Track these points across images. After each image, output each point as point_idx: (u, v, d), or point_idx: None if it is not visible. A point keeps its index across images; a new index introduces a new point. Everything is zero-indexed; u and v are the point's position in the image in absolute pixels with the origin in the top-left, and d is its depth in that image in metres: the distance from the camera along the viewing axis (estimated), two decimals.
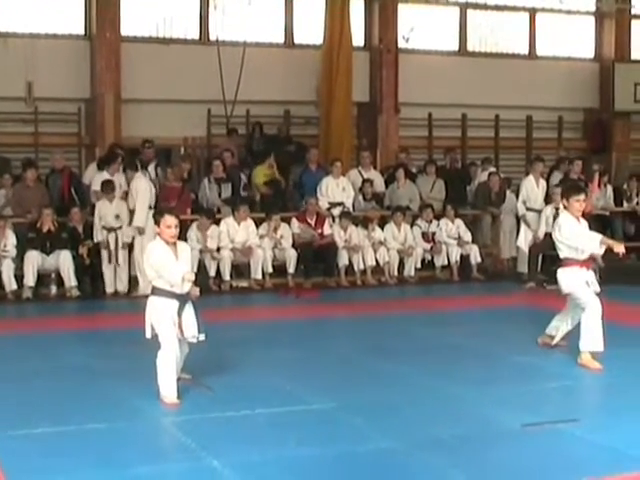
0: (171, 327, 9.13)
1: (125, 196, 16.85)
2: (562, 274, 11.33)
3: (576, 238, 11.02)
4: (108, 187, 16.78)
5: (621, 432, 8.12)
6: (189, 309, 9.30)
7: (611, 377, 10.30)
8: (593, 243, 11.01)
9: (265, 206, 18.46)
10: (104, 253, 16.50)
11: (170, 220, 9.25)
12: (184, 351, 9.49)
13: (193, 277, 9.31)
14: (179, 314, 9.17)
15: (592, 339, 10.70)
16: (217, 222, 17.22)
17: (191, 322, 9.29)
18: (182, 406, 8.94)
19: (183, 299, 9.24)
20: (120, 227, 16.56)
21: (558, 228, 11.29)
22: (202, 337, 9.36)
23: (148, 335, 9.23)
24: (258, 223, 17.60)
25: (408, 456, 7.51)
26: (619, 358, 11.03)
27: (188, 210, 17.73)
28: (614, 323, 11.85)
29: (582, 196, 11.21)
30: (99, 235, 16.60)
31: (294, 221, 17.91)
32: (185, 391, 9.17)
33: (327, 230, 18.01)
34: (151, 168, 18.20)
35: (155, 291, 9.26)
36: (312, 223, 17.98)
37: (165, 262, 9.14)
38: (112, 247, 16.47)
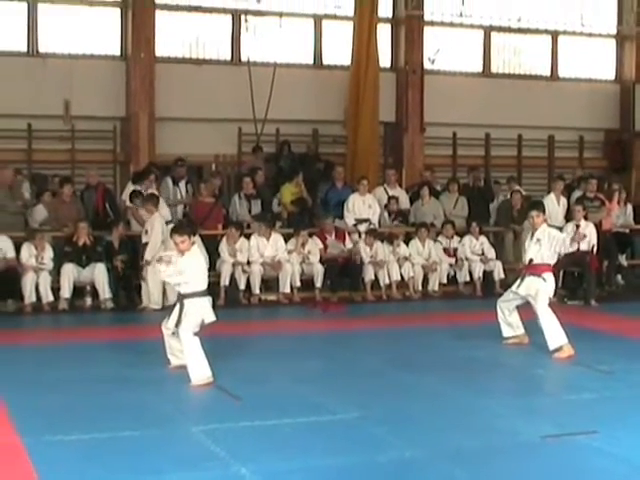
0: None
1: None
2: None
3: None
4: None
5: (639, 444, 8.09)
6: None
7: (629, 390, 10.28)
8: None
9: (292, 223, 18.46)
10: (147, 269, 16.33)
11: (174, 238, 10.65)
12: None
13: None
14: None
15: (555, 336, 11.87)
16: (248, 237, 17.24)
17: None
18: (211, 415, 8.97)
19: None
20: (147, 243, 16.53)
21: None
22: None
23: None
24: (286, 239, 17.62)
25: (429, 466, 7.50)
26: (638, 372, 11.03)
27: (219, 225, 17.80)
28: (638, 339, 11.87)
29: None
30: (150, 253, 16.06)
31: (316, 238, 17.92)
32: (214, 400, 9.19)
33: (348, 244, 18.02)
34: (182, 185, 18.31)
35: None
36: (332, 239, 18.01)
37: None
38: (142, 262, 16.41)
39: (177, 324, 10.47)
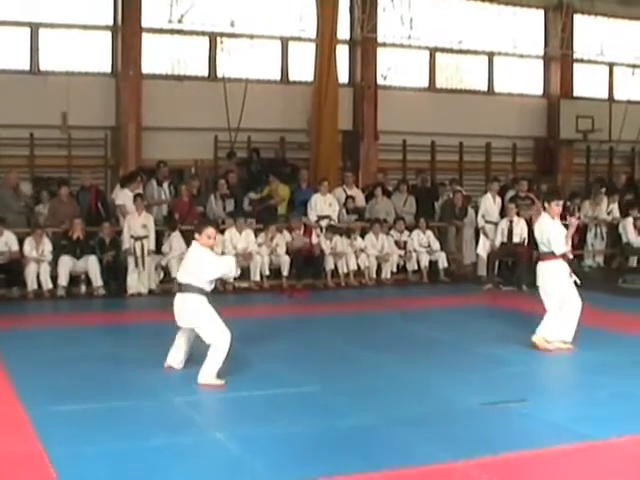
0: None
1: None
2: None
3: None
4: (139, 200, 16.84)
5: (564, 410, 8.19)
6: None
7: (555, 364, 10.38)
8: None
9: (260, 219, 18.42)
10: (130, 259, 16.45)
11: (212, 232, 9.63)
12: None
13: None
14: None
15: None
16: (222, 232, 17.19)
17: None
18: (191, 388, 8.97)
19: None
20: (146, 236, 16.51)
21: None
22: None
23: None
24: (256, 233, 17.62)
25: (384, 430, 7.55)
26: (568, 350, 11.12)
27: (195, 222, 17.75)
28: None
29: (561, 201, 11.44)
30: (127, 243, 16.58)
31: (285, 231, 17.92)
32: (194, 375, 9.18)
33: (315, 239, 18.03)
34: (165, 185, 18.27)
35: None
36: (301, 234, 18.01)
37: None
38: (139, 254, 16.42)
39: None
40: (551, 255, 11.03)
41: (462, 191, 20.25)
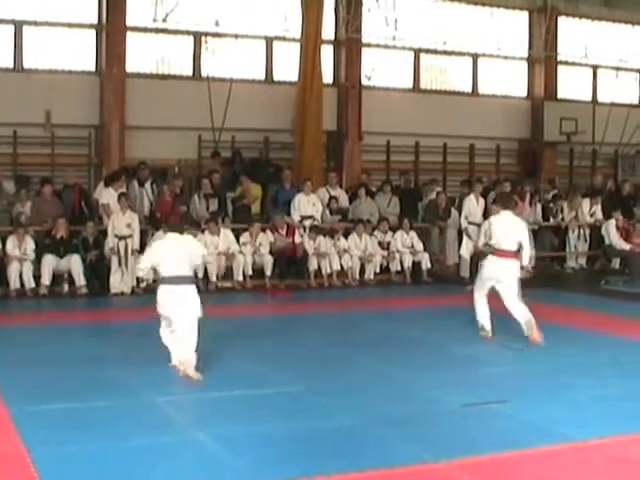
0: None
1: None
2: None
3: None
4: (123, 199, 16.81)
5: (545, 411, 8.20)
6: None
7: (537, 365, 10.39)
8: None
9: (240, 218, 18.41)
10: (114, 259, 16.40)
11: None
12: None
13: None
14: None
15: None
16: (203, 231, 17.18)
17: None
18: (173, 388, 8.98)
19: None
20: (130, 235, 16.45)
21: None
22: None
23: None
24: (241, 233, 17.62)
25: (365, 431, 7.56)
26: (544, 349, 11.16)
27: (178, 221, 17.73)
28: (547, 323, 11.99)
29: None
30: (111, 242, 16.53)
31: (268, 232, 17.92)
32: (174, 375, 9.18)
33: (297, 239, 18.02)
34: (147, 185, 18.22)
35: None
36: (283, 234, 18.00)
37: None
38: (122, 253, 16.38)
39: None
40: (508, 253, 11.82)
41: (445, 192, 20.30)
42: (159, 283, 9.84)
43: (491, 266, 11.97)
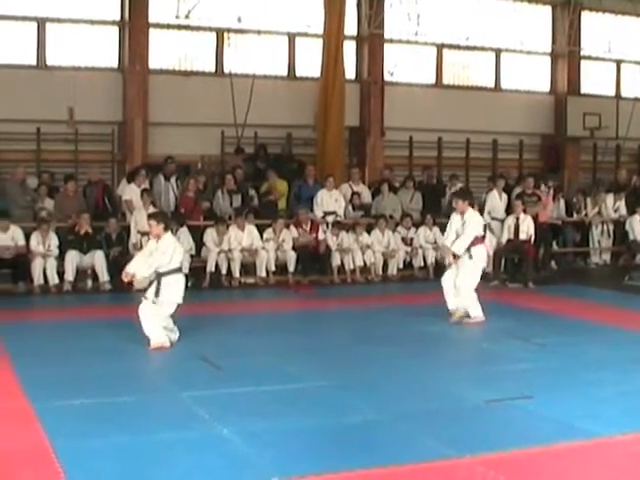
0: None
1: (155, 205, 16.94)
2: None
3: None
4: (146, 195, 16.86)
5: (568, 407, 8.17)
6: None
7: (560, 360, 10.36)
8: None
9: (266, 214, 18.44)
10: (136, 254, 16.39)
11: (149, 222, 11.61)
12: None
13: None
14: None
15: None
16: (227, 227, 17.22)
17: None
18: (197, 383, 9.00)
19: None
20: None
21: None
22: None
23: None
24: (265, 229, 17.64)
25: (389, 426, 7.55)
26: (567, 345, 11.13)
27: (201, 217, 17.79)
28: (571, 318, 11.95)
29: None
30: (134, 238, 16.60)
31: (292, 227, 17.93)
32: (199, 370, 9.21)
33: (321, 235, 18.03)
34: (172, 180, 18.28)
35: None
36: (307, 229, 18.02)
37: None
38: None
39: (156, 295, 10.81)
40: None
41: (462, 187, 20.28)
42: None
43: None
